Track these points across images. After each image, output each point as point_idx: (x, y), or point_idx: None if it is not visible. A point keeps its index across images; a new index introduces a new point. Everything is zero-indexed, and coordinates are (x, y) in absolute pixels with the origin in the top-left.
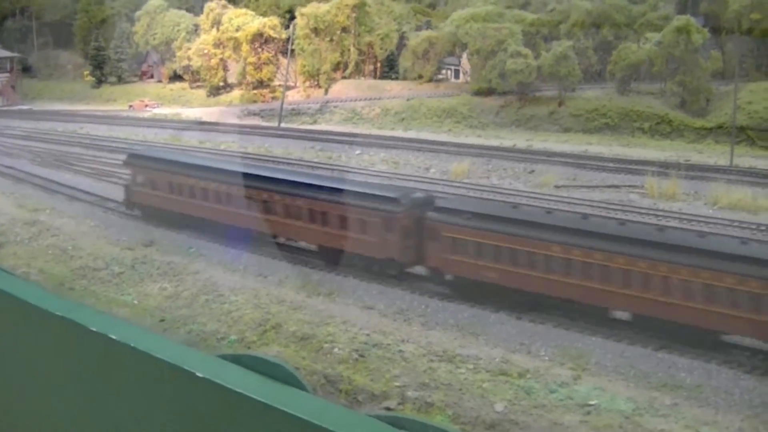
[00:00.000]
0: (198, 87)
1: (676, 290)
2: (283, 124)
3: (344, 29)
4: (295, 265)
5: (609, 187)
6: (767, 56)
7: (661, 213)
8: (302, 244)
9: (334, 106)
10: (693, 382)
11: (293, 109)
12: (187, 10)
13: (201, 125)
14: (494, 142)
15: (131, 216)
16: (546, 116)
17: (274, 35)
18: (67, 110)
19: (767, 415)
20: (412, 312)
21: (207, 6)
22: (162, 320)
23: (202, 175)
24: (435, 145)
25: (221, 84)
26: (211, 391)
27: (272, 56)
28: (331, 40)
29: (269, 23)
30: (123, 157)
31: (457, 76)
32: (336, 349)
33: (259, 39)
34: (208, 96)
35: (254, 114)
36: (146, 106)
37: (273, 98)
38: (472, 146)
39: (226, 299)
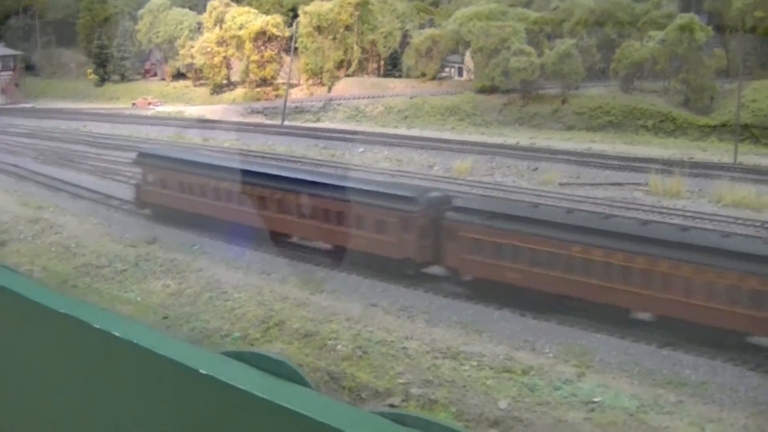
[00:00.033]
0: (201, 85)
1: (701, 291)
2: (286, 122)
3: (347, 27)
4: (299, 262)
5: (613, 184)
6: None
7: (665, 210)
8: (317, 243)
9: (338, 104)
10: (698, 379)
11: (296, 107)
12: (190, 8)
13: (204, 123)
14: (498, 140)
15: (134, 213)
16: (549, 114)
17: (277, 33)
18: (70, 108)
19: None
20: (416, 309)
21: (210, 4)
22: (165, 317)
23: (216, 174)
24: (438, 142)
25: (224, 82)
26: (214, 389)
27: (275, 54)
28: (334, 38)
29: (272, 21)
30: (126, 154)
31: (460, 74)
32: (339, 346)
33: (262, 37)
34: (212, 94)
35: (257, 112)
36: (149, 104)
37: (276, 96)
38: (475, 144)
39: (230, 296)
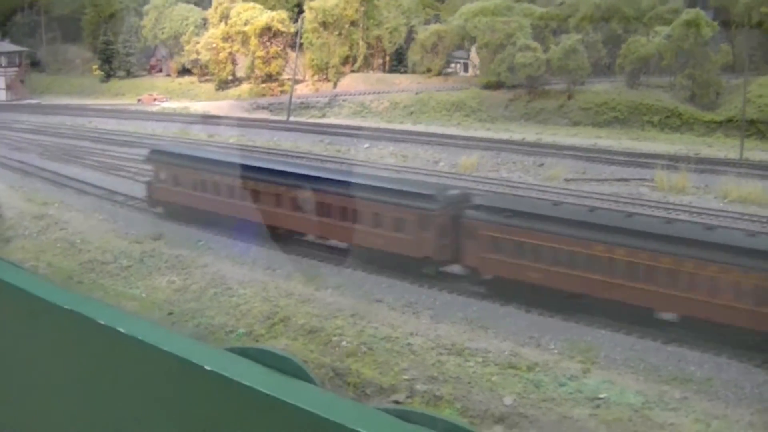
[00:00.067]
0: (206, 81)
1: (727, 291)
2: (291, 118)
3: (353, 23)
4: (303, 257)
5: (618, 180)
6: None
7: (671, 206)
8: (333, 242)
9: (343, 100)
10: (703, 376)
11: (302, 103)
12: (196, 4)
13: (209, 119)
14: (503, 136)
15: (140, 209)
16: (555, 110)
17: (283, 29)
18: (75, 104)
19: None
20: (421, 305)
21: (215, 0)
22: (170, 313)
23: (231, 171)
24: (444, 138)
25: (230, 78)
26: (219, 385)
27: (281, 50)
28: (340, 33)
29: (278, 17)
30: (132, 150)
31: (466, 70)
32: (344, 342)
33: (268, 33)
34: (217, 90)
35: (263, 108)
36: (155, 100)
37: (282, 92)
38: (481, 139)
39: (235, 292)
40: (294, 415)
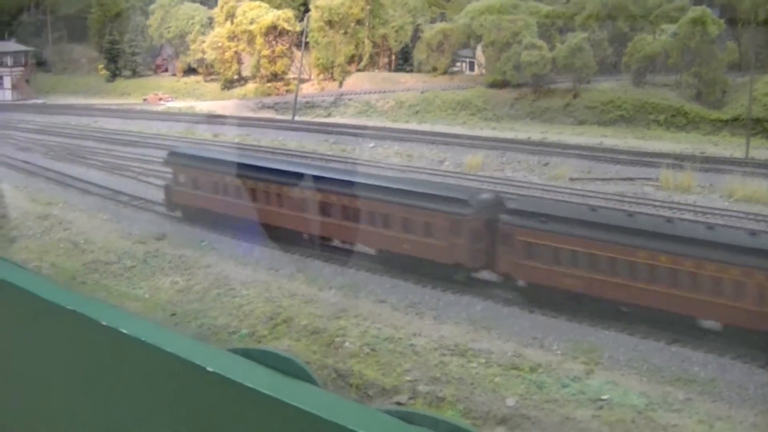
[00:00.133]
0: (212, 80)
1: None
2: (297, 117)
3: (359, 21)
4: (307, 258)
5: (623, 179)
6: None
7: (675, 206)
8: (360, 247)
9: (349, 99)
10: (707, 377)
11: (307, 102)
12: (201, 3)
13: (215, 118)
14: (509, 135)
15: (143, 209)
16: (561, 108)
17: (288, 28)
18: (81, 104)
19: None
20: (424, 306)
21: None
22: (173, 314)
23: (254, 174)
24: (449, 137)
25: (235, 77)
26: (221, 386)
27: (286, 49)
28: (346, 32)
29: (283, 16)
30: (137, 150)
31: (471, 69)
32: (347, 343)
33: (273, 32)
34: (223, 89)
35: (268, 107)
36: (160, 99)
37: (287, 91)
38: (486, 139)
39: (238, 293)
40: (296, 416)
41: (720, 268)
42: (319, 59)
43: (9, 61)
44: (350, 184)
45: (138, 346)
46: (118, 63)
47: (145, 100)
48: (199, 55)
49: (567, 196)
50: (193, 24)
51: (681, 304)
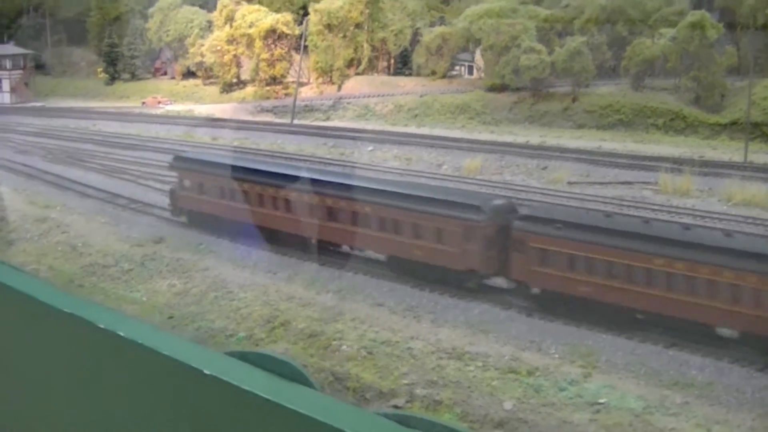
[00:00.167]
0: (211, 84)
1: None
2: (295, 121)
3: (357, 25)
4: (305, 261)
5: (622, 183)
6: None
7: (674, 210)
8: (369, 253)
9: (347, 103)
10: (704, 380)
11: (306, 106)
12: (201, 6)
13: (213, 122)
14: (507, 139)
15: (141, 213)
16: (560, 112)
17: (288, 31)
18: (80, 107)
19: None
20: (422, 309)
21: (220, 2)
22: (170, 317)
23: (261, 179)
24: (448, 141)
25: (234, 80)
26: (219, 389)
27: (285, 53)
28: (345, 36)
29: (282, 19)
30: (135, 153)
31: (470, 72)
32: (344, 347)
33: (272, 35)
34: (221, 92)
35: (267, 110)
36: (159, 102)
37: (286, 95)
38: (485, 142)
39: (235, 296)
40: (293, 419)
41: (738, 275)
42: (318, 63)
43: (8, 64)
44: (361, 189)
45: (135, 349)
46: (117, 66)
47: (143, 103)
48: (198, 59)
49: (565, 200)
50: (192, 27)
51: (699, 311)
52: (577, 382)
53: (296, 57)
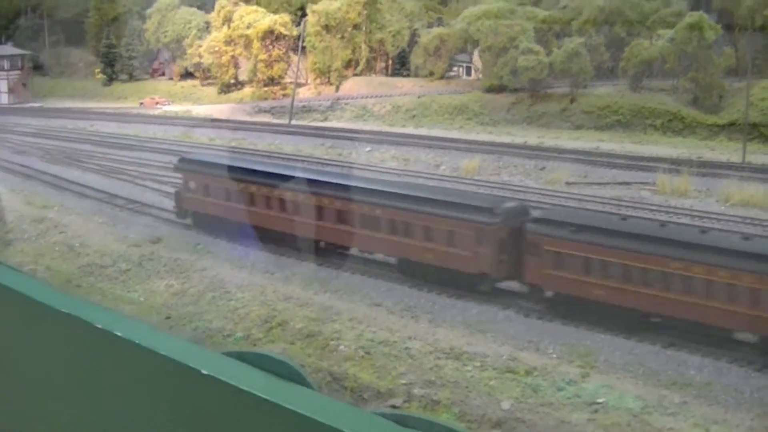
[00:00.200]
0: (209, 84)
1: None
2: (293, 122)
3: (355, 26)
4: (303, 261)
5: (620, 184)
6: None
7: (672, 210)
8: (379, 256)
9: (345, 103)
10: (703, 380)
11: (304, 107)
12: (198, 7)
13: (211, 122)
14: (505, 139)
15: (139, 213)
16: (558, 113)
17: (285, 32)
18: (77, 107)
19: None
20: (420, 309)
21: (218, 3)
22: (168, 317)
23: (268, 181)
24: (446, 142)
25: (232, 81)
26: (216, 389)
27: (283, 53)
28: (342, 37)
29: (280, 20)
30: (132, 154)
31: (468, 73)
32: (342, 347)
33: (270, 36)
34: (219, 93)
35: (265, 111)
36: (157, 103)
37: (284, 95)
38: (483, 143)
39: (233, 296)
40: (290, 419)
41: (758, 279)
42: (315, 64)
43: (6, 64)
44: (372, 192)
45: (133, 349)
46: (115, 67)
47: (141, 103)
48: (196, 59)
49: (563, 201)
50: (190, 28)
51: (716, 315)
52: (575, 382)
53: (294, 58)
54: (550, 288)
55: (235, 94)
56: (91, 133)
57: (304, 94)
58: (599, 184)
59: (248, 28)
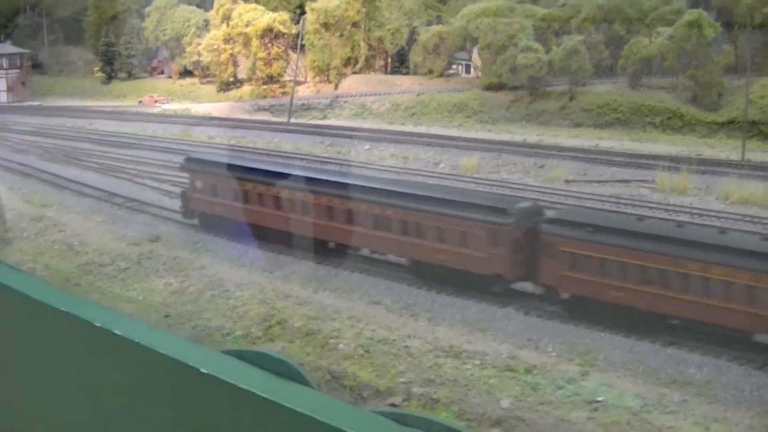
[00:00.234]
0: (208, 82)
1: None
2: (292, 120)
3: (354, 24)
4: (301, 259)
5: (619, 181)
6: None
7: (671, 208)
8: (390, 257)
9: (344, 101)
10: (703, 378)
11: (303, 105)
12: (197, 5)
13: (210, 120)
14: (505, 137)
15: (138, 211)
16: (557, 111)
17: (284, 30)
18: (76, 106)
19: None
20: (419, 307)
21: (217, 1)
22: (167, 316)
23: (278, 181)
24: (445, 139)
25: (231, 79)
26: (215, 387)
27: (282, 51)
28: (341, 35)
29: (279, 18)
30: (131, 152)
31: (467, 71)
32: (341, 345)
33: (269, 34)
34: (218, 91)
35: (264, 109)
36: (156, 101)
37: (283, 93)
38: (482, 141)
39: (232, 295)
40: (290, 418)
41: None
42: (314, 62)
43: (5, 63)
44: (384, 192)
45: (132, 348)
46: (114, 65)
47: (140, 102)
48: (195, 58)
49: (563, 198)
50: (188, 26)
51: (736, 318)
52: (574, 380)
53: (293, 56)
54: (566, 290)
55: (234, 92)
56: (90, 131)
57: (303, 92)
58: (598, 181)
59: (247, 26)
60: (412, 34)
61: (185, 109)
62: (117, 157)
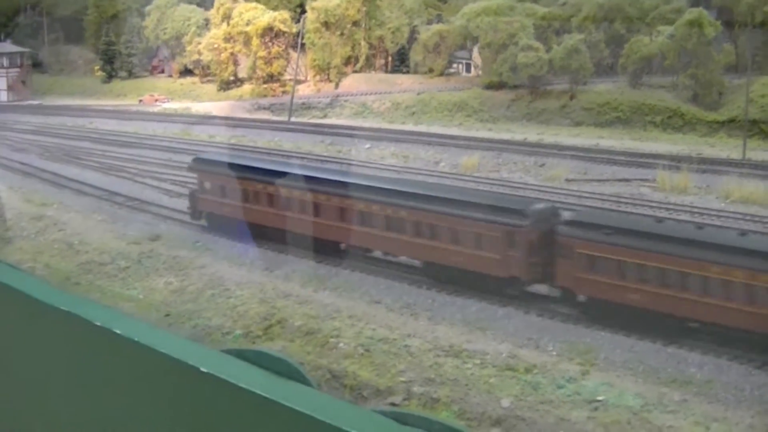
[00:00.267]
0: (208, 81)
1: None
2: (293, 119)
3: (355, 23)
4: (302, 258)
5: (620, 180)
6: None
7: (672, 207)
8: (402, 259)
9: (345, 100)
10: (703, 378)
11: (303, 104)
12: (198, 4)
13: (210, 119)
14: (505, 136)
15: (138, 210)
16: (557, 110)
17: (285, 29)
18: (77, 105)
19: None
20: (419, 306)
21: (217, 0)
22: (167, 315)
23: (288, 182)
24: (445, 138)
25: (231, 78)
26: (215, 386)
27: (282, 50)
28: (342, 34)
29: (279, 17)
30: (131, 151)
31: (468, 70)
32: (341, 344)
33: (270, 33)
34: (219, 90)
35: (264, 108)
36: (156, 100)
37: (283, 92)
38: (482, 140)
39: (232, 294)
40: (290, 417)
41: None
42: (315, 61)
43: (5, 62)
44: (399, 194)
45: (132, 347)
46: (114, 64)
47: (140, 101)
48: (195, 57)
49: (563, 197)
50: (189, 25)
51: (756, 321)
52: (575, 380)
53: (293, 55)
54: (583, 292)
55: (234, 91)
56: (90, 130)
57: (304, 91)
58: (599, 180)
59: (247, 25)
60: (413, 32)
61: (186, 108)
62: (117, 156)
